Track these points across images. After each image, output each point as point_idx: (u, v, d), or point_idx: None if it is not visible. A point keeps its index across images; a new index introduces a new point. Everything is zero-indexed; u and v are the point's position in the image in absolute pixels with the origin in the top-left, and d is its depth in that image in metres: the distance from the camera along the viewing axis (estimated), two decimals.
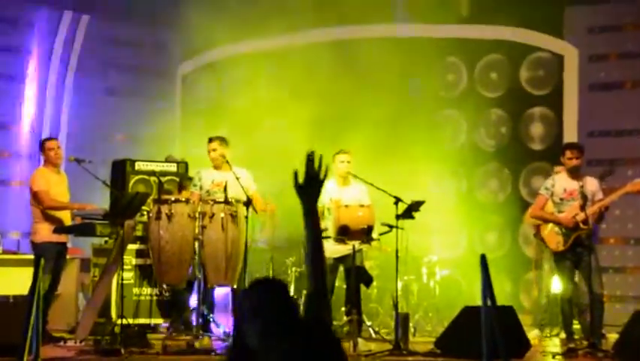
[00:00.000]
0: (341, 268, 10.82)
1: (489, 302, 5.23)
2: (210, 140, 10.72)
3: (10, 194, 13.23)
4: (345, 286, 10.94)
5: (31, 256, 10.50)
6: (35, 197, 10.25)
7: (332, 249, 10.36)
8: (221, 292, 11.15)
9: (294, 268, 12.14)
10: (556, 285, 11.53)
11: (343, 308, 10.80)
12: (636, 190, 10.18)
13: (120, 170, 11.59)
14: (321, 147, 12.53)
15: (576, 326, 10.54)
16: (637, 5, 13.34)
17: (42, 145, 10.65)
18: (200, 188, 10.66)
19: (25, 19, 13.98)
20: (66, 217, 10.44)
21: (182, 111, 16.35)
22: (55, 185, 10.37)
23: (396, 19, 14.58)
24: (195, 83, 16.25)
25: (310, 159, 4.27)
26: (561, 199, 10.21)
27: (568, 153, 10.20)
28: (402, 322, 10.03)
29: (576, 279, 10.41)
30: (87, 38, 14.66)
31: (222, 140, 10.70)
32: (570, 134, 13.41)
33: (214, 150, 10.62)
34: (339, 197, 10.49)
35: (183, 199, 10.39)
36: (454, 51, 14.49)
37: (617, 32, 13.44)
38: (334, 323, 10.51)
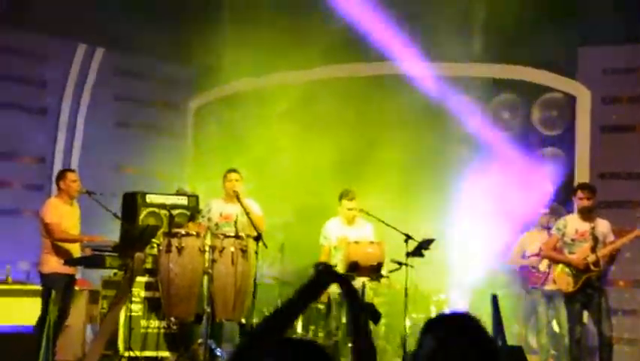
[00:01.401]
0: None
1: (500, 342, 5.21)
2: (232, 170, 10.72)
3: (20, 224, 13.21)
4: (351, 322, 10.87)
5: (40, 287, 10.48)
6: (46, 228, 10.22)
7: None
8: None
9: None
10: (556, 325, 11.53)
11: (350, 345, 10.73)
12: None
13: (131, 202, 11.61)
14: (331, 183, 12.58)
15: None
16: None
17: (61, 176, 10.58)
18: (209, 220, 10.66)
19: (40, 51, 14.03)
20: (75, 249, 10.41)
21: (194, 145, 16.36)
22: (67, 217, 10.35)
23: (409, 57, 14.58)
24: (207, 117, 16.25)
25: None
26: (572, 240, 10.22)
27: (579, 193, 10.21)
28: None
29: (585, 320, 10.37)
30: (100, 71, 14.72)
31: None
32: (582, 175, 13.37)
33: (236, 180, 10.60)
34: (345, 235, 10.52)
35: (194, 233, 10.39)
36: (467, 89, 14.50)
37: (630, 74, 13.44)
38: (342, 359, 10.48)
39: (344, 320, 10.89)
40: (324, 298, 10.96)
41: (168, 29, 14.04)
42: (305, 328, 11.88)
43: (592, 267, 10.00)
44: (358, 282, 10.17)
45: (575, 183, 12.39)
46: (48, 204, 10.51)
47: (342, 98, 14.24)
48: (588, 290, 10.07)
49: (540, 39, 13.19)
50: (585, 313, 10.33)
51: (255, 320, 10.75)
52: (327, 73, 15.07)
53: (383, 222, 10.50)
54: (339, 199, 10.85)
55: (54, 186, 10.91)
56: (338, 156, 13.32)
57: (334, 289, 10.36)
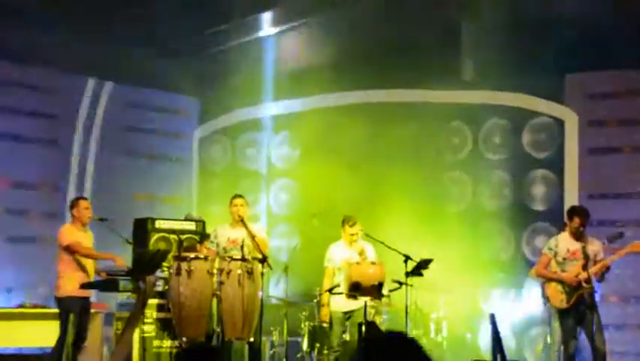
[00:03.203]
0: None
1: (499, 358, 5.45)
2: (237, 196, 11.11)
3: (37, 250, 13.53)
4: (356, 340, 11.21)
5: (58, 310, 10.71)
6: (68, 250, 10.42)
7: (343, 303, 10.81)
8: None
9: (307, 323, 12.33)
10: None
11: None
12: (636, 251, 10.41)
13: (142, 228, 11.91)
14: (333, 209, 12.89)
15: None
16: (634, 74, 13.70)
17: (74, 204, 10.87)
18: (217, 245, 11.04)
19: (51, 85, 14.43)
20: (90, 272, 10.64)
21: (200, 172, 16.65)
22: (82, 241, 10.70)
23: (400, 85, 14.99)
24: (211, 146, 16.63)
25: None
26: (564, 259, 10.45)
27: (576, 220, 10.40)
28: None
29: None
30: (110, 103, 15.10)
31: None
32: (571, 196, 13.64)
33: (241, 205, 11.01)
34: (349, 257, 10.94)
35: (202, 256, 10.68)
36: (459, 116, 14.88)
37: (615, 99, 13.70)
38: None
39: (345, 337, 11.26)
40: (326, 317, 11.32)
41: (173, 63, 14.46)
42: (310, 345, 12.21)
43: (584, 284, 10.23)
44: (360, 301, 10.62)
45: (565, 204, 12.74)
46: (63, 229, 10.74)
47: (337, 126, 14.61)
48: (581, 307, 10.28)
49: (528, 67, 13.54)
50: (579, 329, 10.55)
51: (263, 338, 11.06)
52: (332, 100, 15.43)
53: (383, 243, 10.88)
54: (342, 225, 11.23)
55: (68, 214, 11.25)
56: (343, 181, 13.68)
57: (335, 308, 10.82)
